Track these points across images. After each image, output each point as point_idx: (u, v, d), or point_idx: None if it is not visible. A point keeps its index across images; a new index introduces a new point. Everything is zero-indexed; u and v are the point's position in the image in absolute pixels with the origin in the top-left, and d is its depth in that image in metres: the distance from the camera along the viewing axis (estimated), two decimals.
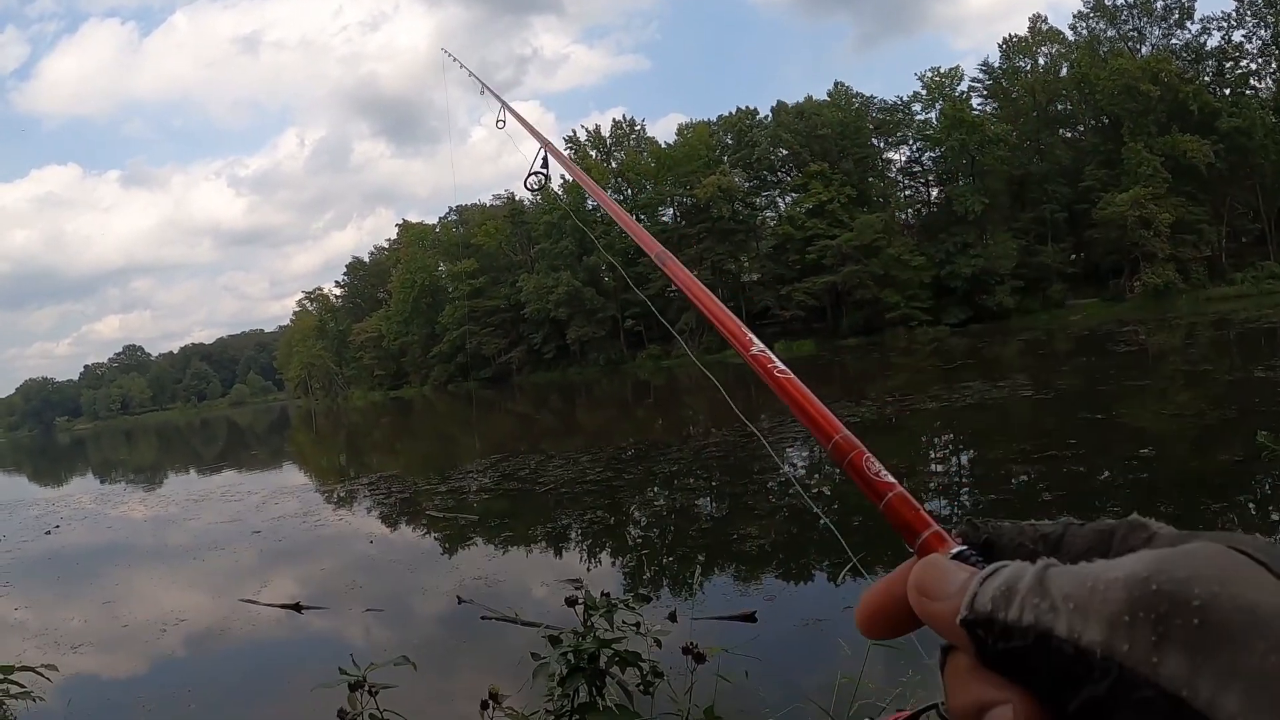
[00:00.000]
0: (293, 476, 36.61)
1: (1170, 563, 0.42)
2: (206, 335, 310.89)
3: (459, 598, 12.39)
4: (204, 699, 10.16)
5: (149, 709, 9.93)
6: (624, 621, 4.46)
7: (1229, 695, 0.39)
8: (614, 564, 15.09)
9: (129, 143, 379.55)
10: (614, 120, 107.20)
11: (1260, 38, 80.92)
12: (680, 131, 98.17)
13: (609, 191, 77.28)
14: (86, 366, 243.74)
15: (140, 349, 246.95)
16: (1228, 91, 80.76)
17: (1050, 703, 0.45)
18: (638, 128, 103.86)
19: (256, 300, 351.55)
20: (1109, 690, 0.44)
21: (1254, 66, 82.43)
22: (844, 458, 0.53)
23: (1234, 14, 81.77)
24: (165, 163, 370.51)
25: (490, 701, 4.23)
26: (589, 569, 14.57)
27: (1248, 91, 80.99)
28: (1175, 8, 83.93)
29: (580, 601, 4.54)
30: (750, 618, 10.71)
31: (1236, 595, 0.41)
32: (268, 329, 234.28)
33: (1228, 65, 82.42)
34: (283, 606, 13.28)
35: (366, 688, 4.00)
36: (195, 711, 9.80)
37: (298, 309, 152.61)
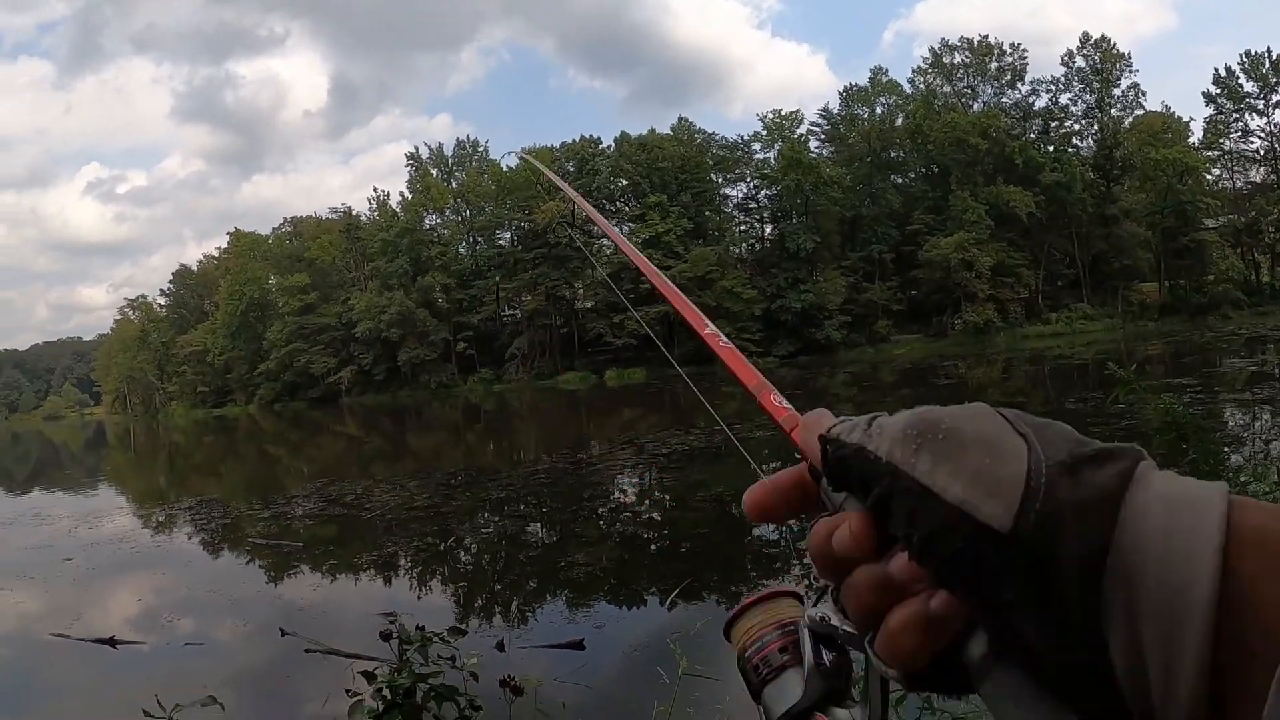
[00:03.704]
0: (109, 499, 34.96)
1: (944, 409, 0.60)
2: (20, 341, 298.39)
3: (282, 630, 12.06)
4: None
5: None
6: (439, 655, 4.42)
7: (955, 483, 0.55)
8: (443, 591, 14.93)
9: None
10: (457, 140, 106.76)
11: (1085, 101, 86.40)
12: (523, 156, 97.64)
13: (447, 212, 77.02)
14: None
15: None
16: (1051, 148, 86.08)
17: (871, 511, 0.63)
18: (481, 149, 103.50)
19: (76, 306, 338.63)
20: (888, 485, 0.60)
21: (1076, 127, 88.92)
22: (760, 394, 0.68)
23: (1061, 79, 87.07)
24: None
25: None
26: (418, 596, 14.39)
27: (1070, 149, 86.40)
28: (1008, 70, 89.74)
29: (394, 635, 4.47)
30: (578, 645, 10.70)
31: (975, 427, 0.58)
32: (87, 337, 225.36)
33: (1053, 125, 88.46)
34: (96, 641, 12.73)
35: None
36: None
37: (119, 317, 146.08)
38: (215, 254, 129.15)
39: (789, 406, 0.67)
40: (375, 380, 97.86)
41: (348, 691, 4.33)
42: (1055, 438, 0.58)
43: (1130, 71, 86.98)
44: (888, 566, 0.63)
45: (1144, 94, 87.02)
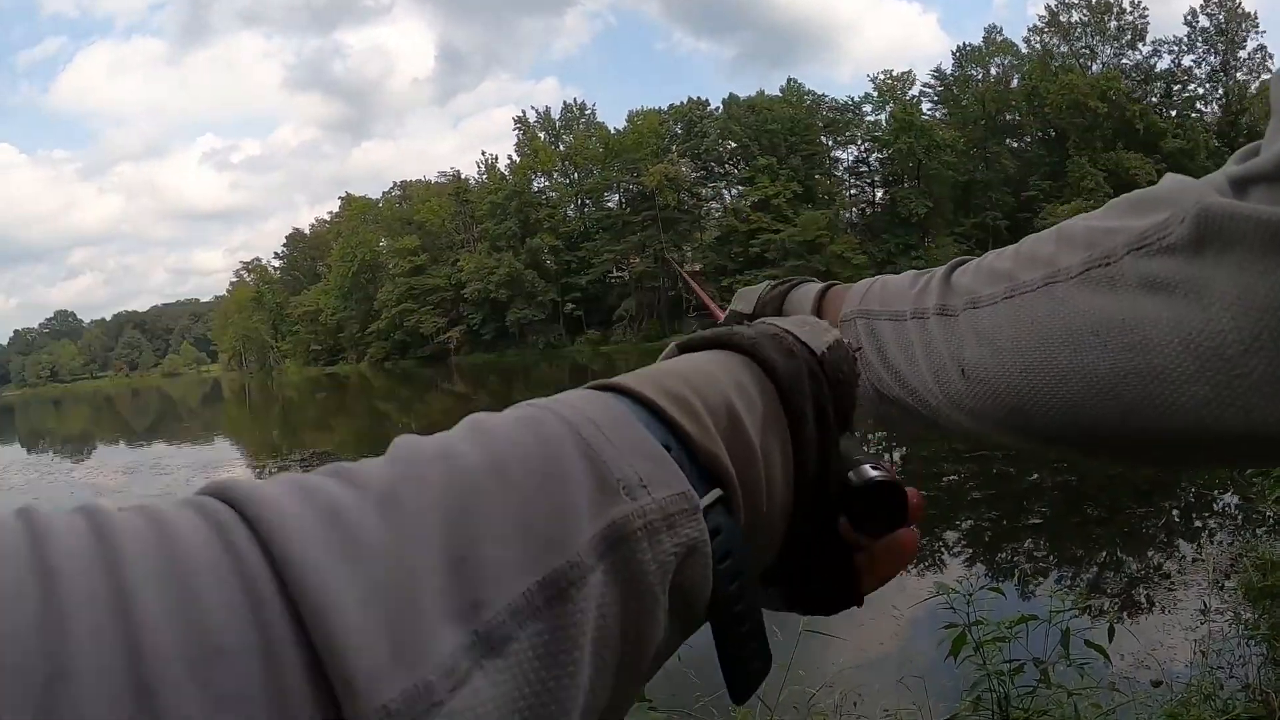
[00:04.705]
0: (224, 451, 35.79)
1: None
2: (140, 303, 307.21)
3: None
4: None
5: None
6: None
7: (739, 304, 1.21)
8: None
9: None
10: (564, 103, 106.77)
11: (1209, 64, 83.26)
12: (630, 119, 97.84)
13: (555, 174, 77.49)
14: (16, 331, 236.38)
15: (73, 315, 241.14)
16: (1174, 113, 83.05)
17: None
18: (588, 112, 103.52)
19: (193, 270, 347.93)
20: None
21: (1201, 91, 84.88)
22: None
23: (1185, 39, 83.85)
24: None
25: None
26: None
27: (1193, 115, 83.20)
28: (1128, 29, 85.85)
29: None
30: None
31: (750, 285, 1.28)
32: (204, 299, 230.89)
33: (1175, 88, 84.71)
34: None
35: None
36: None
37: (235, 279, 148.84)
38: (327, 218, 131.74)
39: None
40: (484, 340, 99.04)
41: None
42: (777, 282, 1.17)
43: (1257, 32, 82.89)
44: None
45: (1271, 57, 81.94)
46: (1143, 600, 9.71)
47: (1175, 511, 13.73)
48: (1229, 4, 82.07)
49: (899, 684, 6.17)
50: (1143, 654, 7.05)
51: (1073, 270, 0.68)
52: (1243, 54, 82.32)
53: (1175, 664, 7.02)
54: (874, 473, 0.64)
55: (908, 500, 0.65)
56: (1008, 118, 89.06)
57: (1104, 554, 11.86)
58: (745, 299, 1.20)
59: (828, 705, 5.66)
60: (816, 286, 1.12)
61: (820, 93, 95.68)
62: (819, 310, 1.07)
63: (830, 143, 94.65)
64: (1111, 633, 4.64)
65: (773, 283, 1.19)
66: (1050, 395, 0.67)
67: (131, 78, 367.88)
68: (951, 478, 17.82)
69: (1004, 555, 12.19)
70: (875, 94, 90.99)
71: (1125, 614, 9.13)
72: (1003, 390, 0.73)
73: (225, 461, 30.35)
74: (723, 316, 1.25)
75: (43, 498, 24.65)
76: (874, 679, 6.88)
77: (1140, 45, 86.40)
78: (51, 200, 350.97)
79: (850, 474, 0.62)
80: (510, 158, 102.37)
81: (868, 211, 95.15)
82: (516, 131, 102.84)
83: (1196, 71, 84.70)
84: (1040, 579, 10.62)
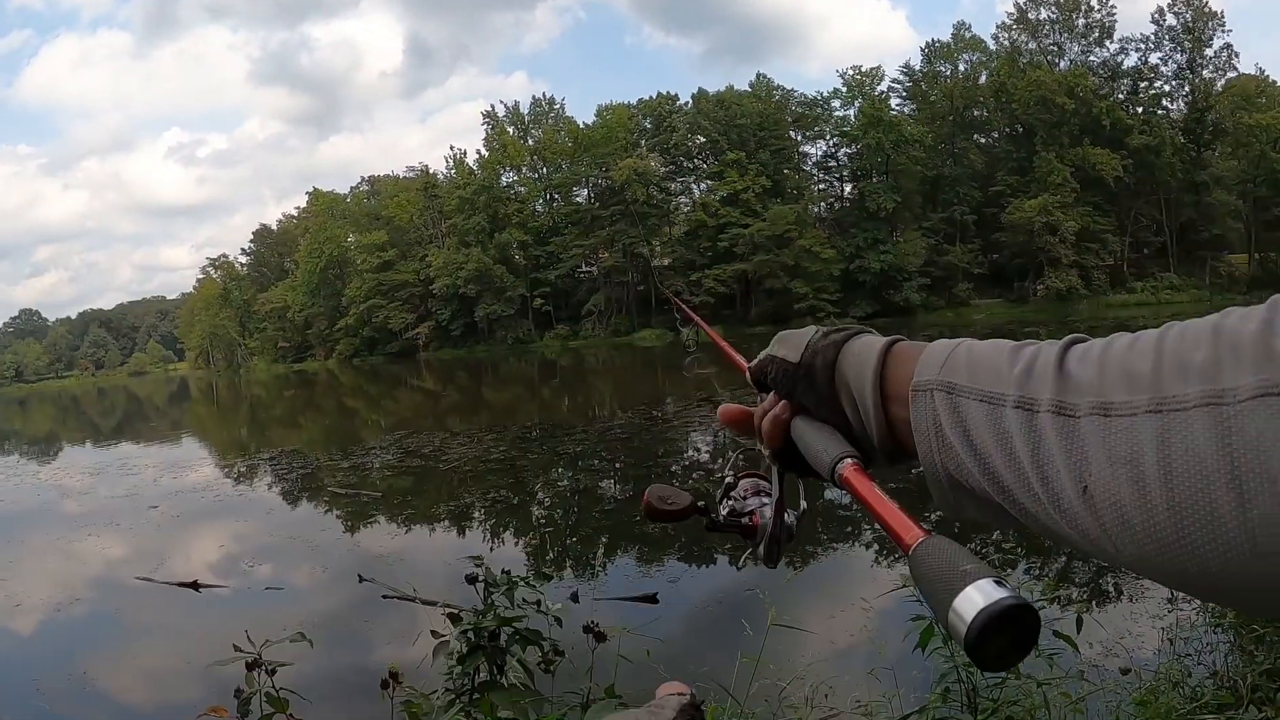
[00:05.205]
0: (192, 450, 35.59)
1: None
2: (106, 300, 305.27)
3: (360, 576, 12.14)
4: (101, 679, 9.91)
5: (44, 691, 9.64)
6: (524, 599, 4.35)
7: (781, 350, 1.13)
8: (516, 543, 14.97)
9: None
10: (533, 97, 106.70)
11: (1175, 61, 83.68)
12: (600, 113, 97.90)
13: (524, 169, 77.39)
14: None
15: (37, 313, 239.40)
16: (1140, 110, 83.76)
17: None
18: (557, 106, 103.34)
19: (160, 266, 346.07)
20: (767, 361, 1.16)
21: (1167, 88, 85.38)
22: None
23: (1152, 37, 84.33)
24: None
25: (390, 681, 4.12)
26: (491, 548, 14.41)
27: (1159, 112, 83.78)
28: (1095, 26, 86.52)
29: (480, 579, 4.41)
30: (652, 599, 10.64)
31: (793, 330, 1.17)
32: (170, 296, 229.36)
33: (1142, 85, 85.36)
34: (180, 585, 12.94)
35: (263, 666, 3.86)
36: (92, 693, 9.55)
37: (202, 276, 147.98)
38: (295, 213, 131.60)
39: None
40: (452, 335, 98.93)
41: (433, 633, 4.28)
42: (829, 330, 1.09)
43: (1223, 31, 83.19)
44: (768, 405, 1.15)
45: (1237, 55, 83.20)
46: (1111, 589, 9.77)
47: None
48: (1196, 2, 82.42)
49: (869, 675, 6.20)
50: (1111, 642, 7.10)
51: (1242, 392, 0.57)
52: (1209, 52, 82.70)
53: (1144, 652, 7.09)
54: (999, 593, 0.64)
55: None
56: (976, 113, 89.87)
57: None
58: (790, 345, 1.11)
59: (799, 697, 5.67)
60: (879, 342, 1.01)
61: (789, 88, 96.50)
62: (882, 367, 0.97)
63: (799, 137, 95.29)
64: (1080, 623, 4.67)
65: (823, 330, 1.09)
66: (1202, 542, 0.58)
67: (97, 71, 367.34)
68: (917, 466, 17.86)
69: (971, 546, 12.09)
70: (844, 89, 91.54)
71: (1094, 603, 9.20)
72: (1138, 525, 0.63)
73: (193, 461, 30.20)
74: (748, 367, 1.24)
75: (8, 500, 24.55)
76: (844, 671, 6.91)
77: (1108, 43, 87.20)
78: (15, 196, 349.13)
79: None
80: (479, 152, 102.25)
81: (836, 206, 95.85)
82: (485, 126, 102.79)
83: (1163, 69, 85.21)
84: (1008, 570, 10.66)
